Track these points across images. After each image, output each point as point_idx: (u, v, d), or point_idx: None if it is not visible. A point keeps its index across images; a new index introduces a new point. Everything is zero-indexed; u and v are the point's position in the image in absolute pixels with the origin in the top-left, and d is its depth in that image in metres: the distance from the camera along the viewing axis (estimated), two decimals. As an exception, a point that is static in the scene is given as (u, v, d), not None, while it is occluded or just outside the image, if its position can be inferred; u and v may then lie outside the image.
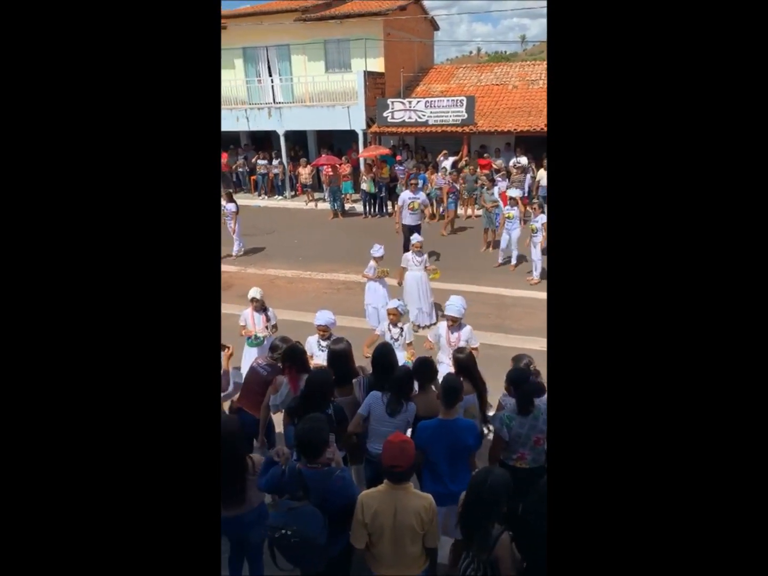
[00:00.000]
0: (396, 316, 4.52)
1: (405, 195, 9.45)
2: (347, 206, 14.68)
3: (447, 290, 8.32)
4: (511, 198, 9.30)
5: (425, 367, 3.42)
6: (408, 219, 9.37)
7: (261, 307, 5.15)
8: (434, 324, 6.72)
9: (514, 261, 9.37)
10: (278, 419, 4.21)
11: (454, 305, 4.33)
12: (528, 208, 9.87)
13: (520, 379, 3.22)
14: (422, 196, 9.67)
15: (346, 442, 3.40)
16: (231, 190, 13.45)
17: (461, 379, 3.29)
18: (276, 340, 4.11)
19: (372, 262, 6.71)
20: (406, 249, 9.74)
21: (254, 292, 5.16)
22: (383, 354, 3.52)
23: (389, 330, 4.48)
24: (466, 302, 4.46)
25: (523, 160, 13.04)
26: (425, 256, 6.73)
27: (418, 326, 6.85)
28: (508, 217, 9.17)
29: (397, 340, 4.43)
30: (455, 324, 4.36)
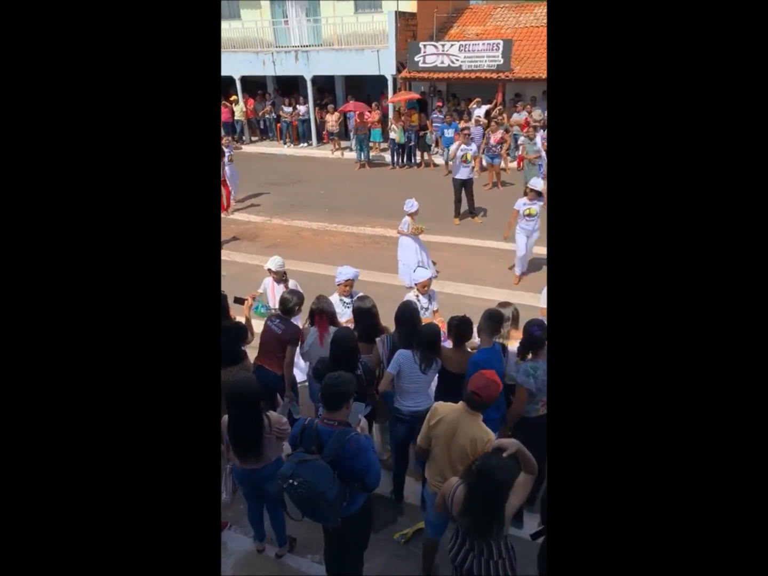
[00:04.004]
0: (426, 287, 4.38)
1: (455, 147, 8.85)
2: (375, 155, 14.31)
3: (485, 248, 8.16)
4: (532, 190, 6.46)
5: (465, 325, 3.38)
6: (462, 172, 8.84)
7: (280, 279, 4.61)
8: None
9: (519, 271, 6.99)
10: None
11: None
12: None
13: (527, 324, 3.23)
14: (474, 146, 9.15)
15: (372, 400, 3.39)
16: (230, 138, 12.04)
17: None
18: (285, 293, 3.98)
19: (406, 218, 6.53)
20: (457, 206, 9.20)
21: (271, 263, 4.53)
22: (407, 312, 3.47)
23: (418, 300, 4.34)
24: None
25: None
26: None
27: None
28: (529, 215, 6.48)
29: (426, 309, 4.32)
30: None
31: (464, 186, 9.05)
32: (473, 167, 9.12)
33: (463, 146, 8.73)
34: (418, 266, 6.26)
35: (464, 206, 9.34)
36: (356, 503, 2.56)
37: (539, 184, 6.48)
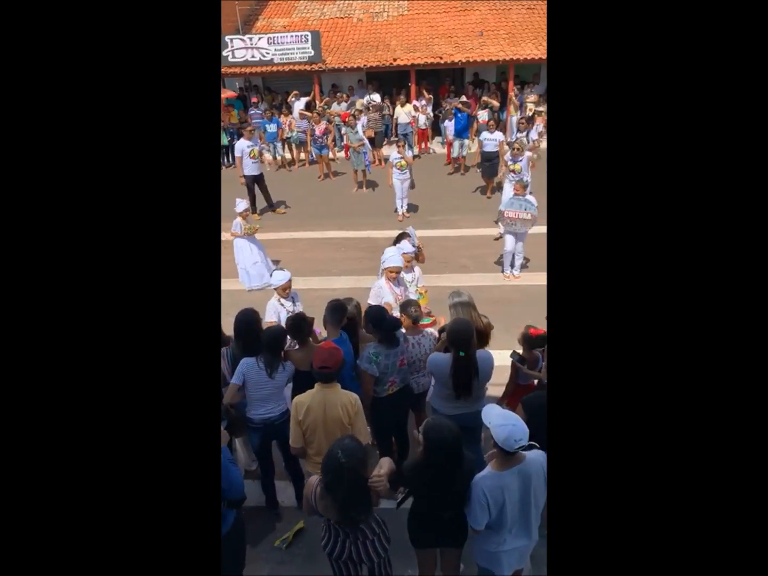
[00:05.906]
0: (287, 290, 4.19)
1: (242, 144, 8.71)
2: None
3: (325, 238, 8.17)
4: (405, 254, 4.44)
5: (301, 324, 3.36)
6: (250, 168, 8.76)
7: None
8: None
9: None
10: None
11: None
12: (400, 149, 8.21)
13: (379, 316, 3.29)
14: (259, 142, 9.15)
15: (226, 414, 3.23)
16: None
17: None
18: None
19: (238, 219, 6.27)
20: (252, 202, 9.04)
21: None
22: (246, 321, 3.34)
23: (282, 305, 4.17)
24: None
25: (376, 98, 12.86)
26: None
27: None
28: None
29: (291, 312, 4.17)
30: None
31: (256, 182, 8.98)
32: (261, 162, 9.11)
33: (248, 143, 8.68)
34: (256, 265, 6.08)
35: (262, 202, 9.28)
36: (226, 523, 2.43)
37: (408, 248, 4.52)
